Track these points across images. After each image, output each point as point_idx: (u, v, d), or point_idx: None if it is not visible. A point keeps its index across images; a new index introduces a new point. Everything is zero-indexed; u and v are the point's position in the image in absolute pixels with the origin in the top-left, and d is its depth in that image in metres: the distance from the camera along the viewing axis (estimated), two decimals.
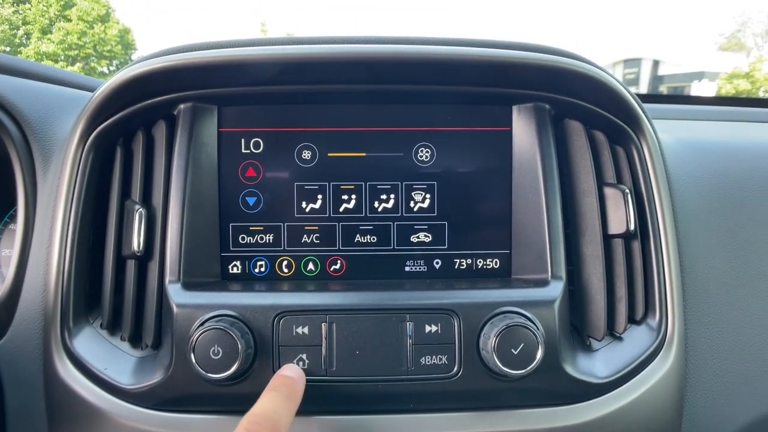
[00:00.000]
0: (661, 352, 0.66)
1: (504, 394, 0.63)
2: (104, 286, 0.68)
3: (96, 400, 0.64)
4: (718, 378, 0.71)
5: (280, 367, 0.61)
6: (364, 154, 0.71)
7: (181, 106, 0.70)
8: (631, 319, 0.68)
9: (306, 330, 0.61)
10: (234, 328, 0.59)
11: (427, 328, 0.62)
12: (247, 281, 0.71)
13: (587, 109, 0.70)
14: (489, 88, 0.70)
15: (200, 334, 0.58)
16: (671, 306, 0.67)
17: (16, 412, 0.69)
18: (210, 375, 0.58)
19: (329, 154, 0.71)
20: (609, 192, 0.69)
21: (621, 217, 0.68)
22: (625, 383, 0.65)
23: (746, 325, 0.72)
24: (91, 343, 0.67)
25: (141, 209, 0.67)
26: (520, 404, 0.63)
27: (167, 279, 0.65)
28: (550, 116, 0.70)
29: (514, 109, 0.71)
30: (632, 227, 0.67)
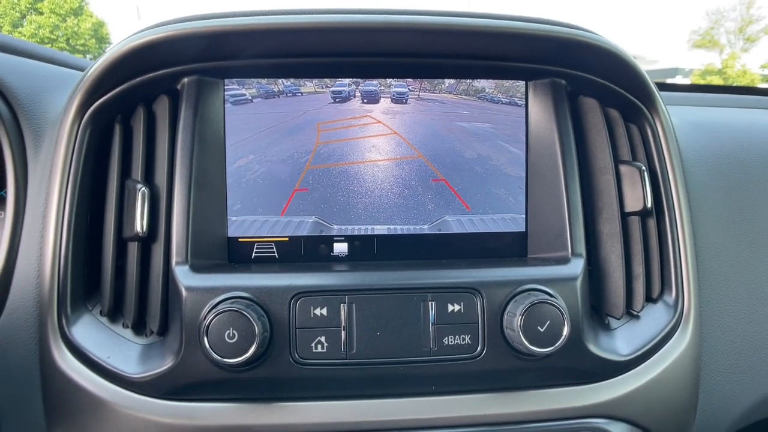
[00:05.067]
0: (679, 330, 0.66)
1: (527, 373, 0.61)
2: (104, 270, 0.64)
3: (99, 391, 0.60)
4: (730, 355, 0.72)
5: (297, 351, 0.58)
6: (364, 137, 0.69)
7: (185, 79, 0.67)
8: (648, 297, 0.68)
9: (324, 311, 0.59)
10: (249, 309, 0.56)
11: (450, 308, 0.60)
12: (259, 263, 0.68)
13: (603, 86, 0.69)
14: (505, 63, 0.68)
15: (214, 317, 0.55)
16: (687, 284, 0.67)
17: (11, 405, 0.65)
18: (225, 360, 0.55)
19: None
20: (625, 170, 0.68)
21: (638, 195, 0.67)
22: (645, 361, 0.64)
23: (757, 302, 0.73)
24: (91, 330, 0.63)
25: (143, 188, 0.64)
26: (544, 384, 0.62)
27: (173, 261, 0.62)
28: (566, 92, 0.69)
29: (530, 85, 0.70)
30: (649, 205, 0.66)
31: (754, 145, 0.79)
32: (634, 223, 0.68)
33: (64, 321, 0.62)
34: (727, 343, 0.71)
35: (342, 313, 0.59)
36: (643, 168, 0.67)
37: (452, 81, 0.70)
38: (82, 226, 0.65)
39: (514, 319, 0.58)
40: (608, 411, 0.62)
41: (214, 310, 0.56)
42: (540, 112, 0.69)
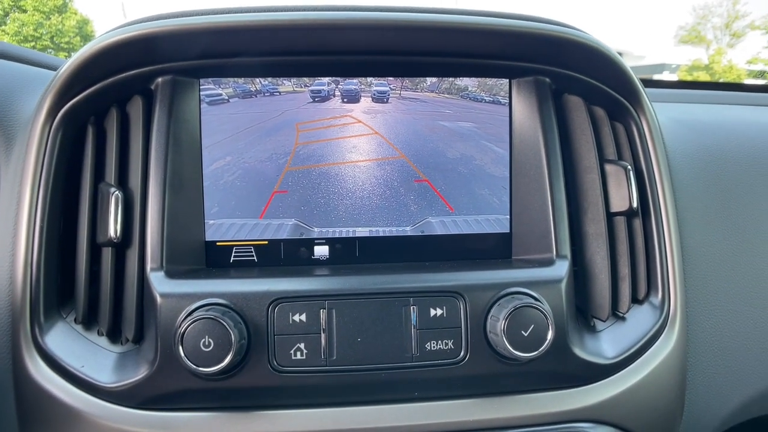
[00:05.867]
0: (665, 331, 0.65)
1: (511, 378, 0.60)
2: (78, 276, 0.62)
3: (73, 401, 0.58)
4: (715, 356, 0.71)
5: (276, 358, 0.57)
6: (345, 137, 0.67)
7: (159, 79, 0.65)
8: (634, 299, 0.67)
9: (303, 317, 0.58)
10: (226, 317, 0.54)
11: (432, 312, 0.59)
12: (237, 267, 0.66)
13: (588, 84, 0.68)
14: (488, 61, 0.67)
15: (189, 325, 0.54)
16: (673, 284, 0.66)
17: None
18: (201, 369, 0.53)
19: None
20: (610, 169, 0.67)
21: (623, 195, 0.66)
22: (632, 363, 0.63)
23: (742, 302, 0.72)
24: (66, 339, 0.61)
25: (117, 192, 0.62)
26: (528, 388, 0.61)
27: (148, 267, 0.60)
28: (551, 91, 0.68)
29: (514, 83, 0.68)
30: (635, 205, 0.66)
31: (739, 143, 0.78)
32: (620, 223, 0.67)
33: (37, 329, 0.60)
34: (713, 343, 0.70)
35: (321, 318, 0.58)
36: (629, 167, 0.66)
37: (434, 79, 0.69)
38: (55, 231, 0.63)
39: (498, 324, 0.57)
40: (593, 415, 0.61)
41: (189, 318, 0.54)
42: (524, 111, 0.68)
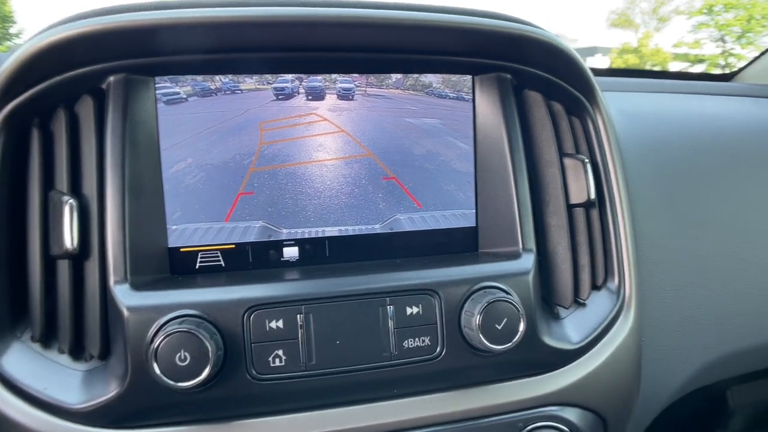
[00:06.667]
0: (622, 314, 0.69)
1: (485, 369, 0.63)
2: (32, 292, 0.58)
3: (39, 425, 0.55)
4: (665, 333, 0.77)
5: (254, 366, 0.56)
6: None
7: (111, 78, 0.61)
8: (593, 285, 0.71)
9: (280, 324, 0.57)
10: (200, 328, 0.53)
11: (408, 310, 0.60)
12: (204, 273, 0.64)
13: (547, 80, 0.70)
14: (451, 57, 0.68)
15: (162, 339, 0.52)
16: (627, 270, 0.70)
17: None
18: (178, 384, 0.52)
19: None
20: (569, 162, 0.70)
21: (581, 187, 0.69)
22: (594, 347, 0.67)
23: (686, 282, 0.78)
24: (23, 359, 0.57)
25: (71, 200, 0.58)
26: (501, 378, 0.64)
27: (111, 280, 0.57)
28: (512, 87, 0.69)
29: (477, 79, 0.69)
30: (592, 196, 0.69)
31: (680, 133, 0.84)
32: (579, 214, 0.70)
33: None
34: (662, 322, 0.76)
35: (299, 324, 0.57)
36: (586, 160, 0.69)
37: (399, 76, 0.68)
38: (4, 245, 0.58)
39: (473, 319, 0.58)
40: (561, 398, 0.64)
41: (162, 332, 0.52)
42: (487, 107, 0.69)
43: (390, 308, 0.59)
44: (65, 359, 0.59)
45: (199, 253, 0.65)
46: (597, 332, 0.67)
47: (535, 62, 0.69)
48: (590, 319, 0.68)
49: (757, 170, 0.86)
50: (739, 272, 0.80)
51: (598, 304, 0.69)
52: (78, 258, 0.59)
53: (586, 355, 0.66)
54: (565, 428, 0.64)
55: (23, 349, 0.58)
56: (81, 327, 0.59)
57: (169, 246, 0.64)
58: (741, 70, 1.27)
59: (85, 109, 0.61)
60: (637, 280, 0.71)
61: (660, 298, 0.76)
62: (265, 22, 0.59)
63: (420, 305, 0.60)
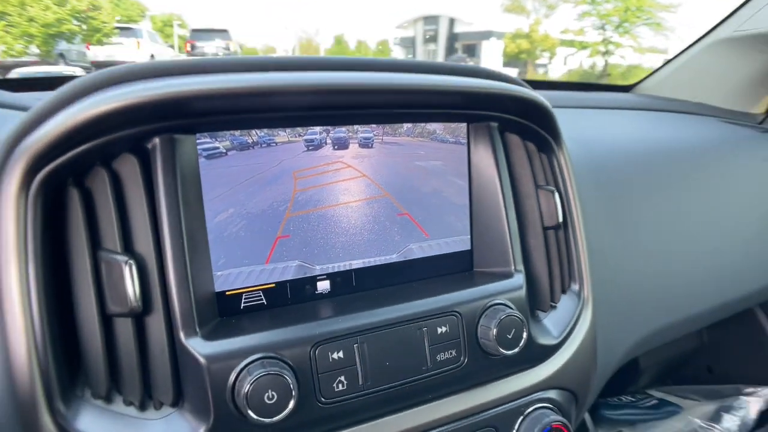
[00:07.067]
0: (584, 311, 0.88)
1: (494, 368, 0.77)
2: (92, 352, 0.60)
3: None
4: (607, 318, 0.98)
5: (321, 393, 0.65)
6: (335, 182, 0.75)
7: (157, 139, 0.63)
8: (562, 290, 0.89)
9: (341, 354, 0.66)
10: (280, 368, 0.60)
11: (439, 330, 0.72)
12: (251, 313, 0.70)
13: (524, 125, 0.84)
14: (450, 110, 0.79)
15: (252, 383, 0.58)
16: (585, 276, 0.89)
17: None
18: (265, 420, 0.59)
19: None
20: (542, 193, 0.86)
21: (552, 212, 0.85)
22: (567, 340, 0.85)
23: (621, 275, 1.00)
24: (95, 418, 0.59)
25: (130, 261, 0.60)
26: (506, 373, 0.79)
27: (182, 333, 0.61)
28: (499, 131, 0.83)
29: (471, 127, 0.82)
30: (560, 220, 0.86)
31: (614, 154, 1.05)
32: (551, 235, 0.87)
33: (58, 418, 0.57)
34: (606, 308, 0.96)
35: (356, 352, 0.67)
36: (554, 190, 0.86)
37: (409, 125, 0.79)
38: (53, 309, 0.59)
39: (489, 332, 0.72)
40: (549, 383, 0.82)
41: (247, 374, 0.59)
42: (480, 150, 0.82)
43: (425, 330, 0.71)
44: (133, 410, 0.62)
45: (243, 295, 0.70)
46: (569, 328, 0.85)
47: (516, 111, 0.83)
48: (562, 318, 0.86)
49: (669, 179, 1.11)
50: (667, 263, 1.05)
51: (566, 305, 0.87)
52: (139, 315, 0.62)
53: (563, 347, 0.84)
54: (553, 406, 0.81)
55: (90, 408, 0.60)
56: (147, 379, 0.63)
57: (216, 290, 0.69)
58: (639, 82, 1.55)
59: (128, 167, 0.63)
60: (591, 283, 0.90)
61: (603, 290, 0.96)
62: (304, 90, 0.65)
63: (447, 325, 0.72)
